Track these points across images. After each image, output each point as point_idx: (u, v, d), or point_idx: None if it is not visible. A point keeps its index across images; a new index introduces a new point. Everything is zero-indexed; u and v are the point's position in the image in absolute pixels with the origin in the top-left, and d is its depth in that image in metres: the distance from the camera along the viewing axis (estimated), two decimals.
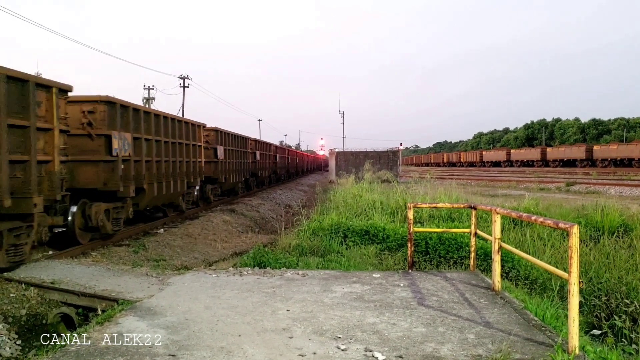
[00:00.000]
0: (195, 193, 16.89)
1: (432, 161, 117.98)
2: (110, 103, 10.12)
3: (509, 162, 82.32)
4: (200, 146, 16.36)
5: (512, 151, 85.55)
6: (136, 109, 11.37)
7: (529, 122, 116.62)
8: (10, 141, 7.05)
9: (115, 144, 10.15)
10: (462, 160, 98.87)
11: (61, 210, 8.86)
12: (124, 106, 10.70)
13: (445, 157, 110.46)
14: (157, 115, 12.71)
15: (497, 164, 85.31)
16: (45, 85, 7.84)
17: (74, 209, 9.48)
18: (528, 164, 76.57)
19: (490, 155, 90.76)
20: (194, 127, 15.68)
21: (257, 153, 27.58)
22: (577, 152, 66.14)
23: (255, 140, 27.85)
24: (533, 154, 77.12)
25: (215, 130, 18.67)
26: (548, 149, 75.60)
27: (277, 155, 36.89)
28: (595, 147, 63.62)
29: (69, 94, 8.65)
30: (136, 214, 12.02)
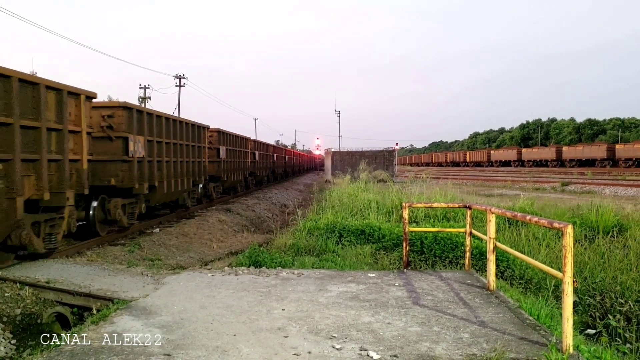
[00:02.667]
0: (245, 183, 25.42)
1: (433, 161, 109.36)
2: (219, 131, 19.46)
3: (520, 162, 77.30)
4: (247, 152, 25.05)
5: (523, 150, 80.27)
6: (228, 133, 20.94)
7: (525, 122, 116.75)
8: (193, 153, 15.59)
9: (221, 152, 19.42)
10: (467, 159, 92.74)
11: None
12: (224, 132, 20.17)
13: (448, 157, 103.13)
14: (235, 135, 22.35)
15: (506, 163, 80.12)
16: (203, 127, 16.95)
17: (201, 185, 17.61)
18: (541, 163, 71.72)
19: (499, 154, 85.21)
20: (246, 140, 25.16)
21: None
22: (597, 151, 62.12)
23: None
24: (547, 153, 72.44)
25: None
26: (564, 148, 70.86)
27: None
28: (617, 146, 60.00)
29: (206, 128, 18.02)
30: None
